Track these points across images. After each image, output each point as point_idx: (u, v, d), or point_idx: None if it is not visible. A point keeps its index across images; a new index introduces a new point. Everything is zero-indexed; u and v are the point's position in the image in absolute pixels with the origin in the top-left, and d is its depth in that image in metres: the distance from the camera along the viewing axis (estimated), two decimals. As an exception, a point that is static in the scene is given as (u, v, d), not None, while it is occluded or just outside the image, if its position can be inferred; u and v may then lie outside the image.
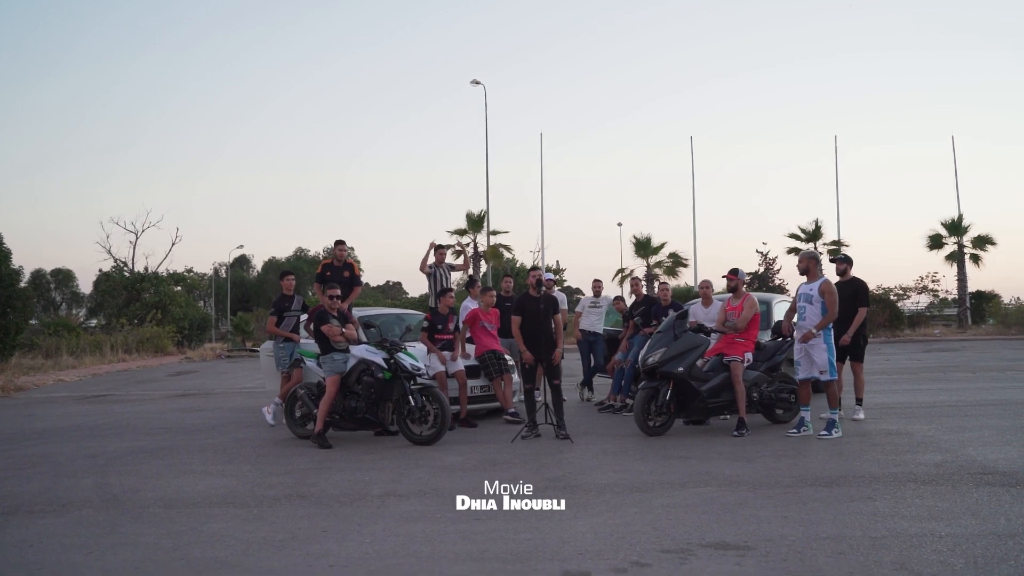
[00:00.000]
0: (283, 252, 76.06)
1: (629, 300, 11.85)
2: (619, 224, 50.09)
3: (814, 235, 35.19)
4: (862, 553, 4.37)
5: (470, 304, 10.97)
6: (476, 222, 33.32)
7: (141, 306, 35.72)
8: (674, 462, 7.14)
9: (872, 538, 4.63)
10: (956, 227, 34.49)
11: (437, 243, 11.72)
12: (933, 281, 36.40)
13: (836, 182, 36.96)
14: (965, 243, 34.59)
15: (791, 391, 9.15)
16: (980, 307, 35.41)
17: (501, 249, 34.75)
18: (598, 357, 11.88)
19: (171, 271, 42.67)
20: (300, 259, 77.68)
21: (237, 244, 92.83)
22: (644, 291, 11.20)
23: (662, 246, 35.16)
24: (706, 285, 10.63)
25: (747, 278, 8.73)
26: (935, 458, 6.89)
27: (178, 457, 8.07)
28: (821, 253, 34.88)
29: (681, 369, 8.44)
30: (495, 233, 33.66)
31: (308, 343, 10.48)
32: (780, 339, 9.33)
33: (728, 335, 8.88)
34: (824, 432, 8.07)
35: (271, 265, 76.63)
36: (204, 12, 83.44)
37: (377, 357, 8.47)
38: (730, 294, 9.24)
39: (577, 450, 7.83)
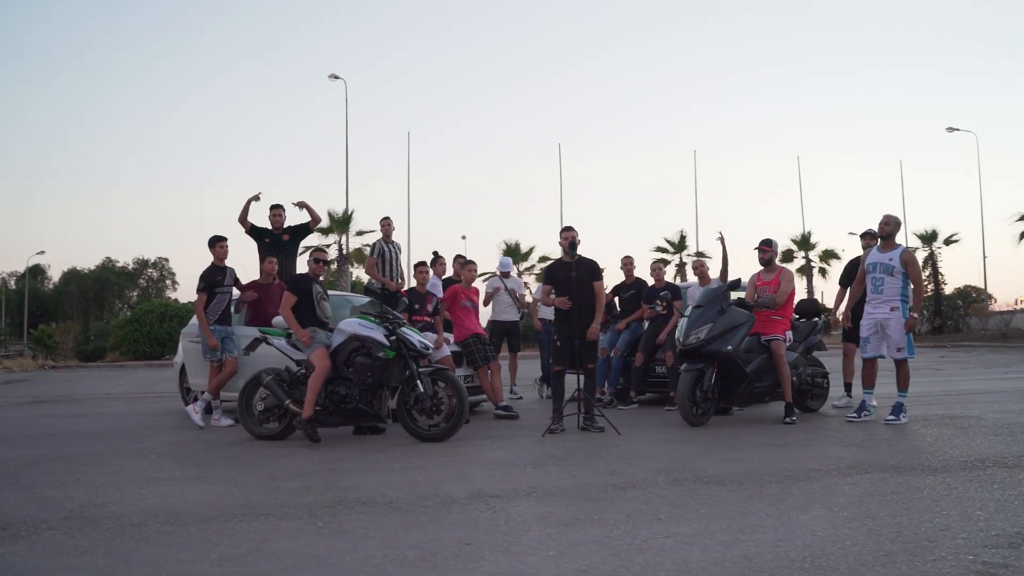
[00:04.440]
0: (87, 262, 69.13)
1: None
2: (463, 237, 49.27)
3: (679, 246, 35.64)
4: None
5: (437, 282, 9.46)
6: (342, 222, 30.96)
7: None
8: (774, 450, 5.99)
9: None
10: (805, 242, 36.21)
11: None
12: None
13: (695, 196, 38.03)
14: (813, 258, 36.39)
15: (823, 375, 8.35)
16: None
17: (367, 249, 32.54)
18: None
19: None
20: (107, 269, 71.07)
21: (38, 250, 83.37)
22: (635, 273, 10.05)
23: (531, 251, 34.27)
24: (701, 264, 9.75)
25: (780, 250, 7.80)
26: (1054, 436, 6.18)
27: (115, 465, 5.96)
28: (684, 264, 35.43)
29: (730, 347, 7.36)
30: (360, 233, 31.49)
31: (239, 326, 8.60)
32: (815, 319, 8.52)
33: (763, 313, 7.90)
34: (891, 417, 7.23)
35: (72, 275, 69.50)
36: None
37: (376, 333, 6.79)
38: (762, 268, 8.28)
39: (633, 442, 6.52)
